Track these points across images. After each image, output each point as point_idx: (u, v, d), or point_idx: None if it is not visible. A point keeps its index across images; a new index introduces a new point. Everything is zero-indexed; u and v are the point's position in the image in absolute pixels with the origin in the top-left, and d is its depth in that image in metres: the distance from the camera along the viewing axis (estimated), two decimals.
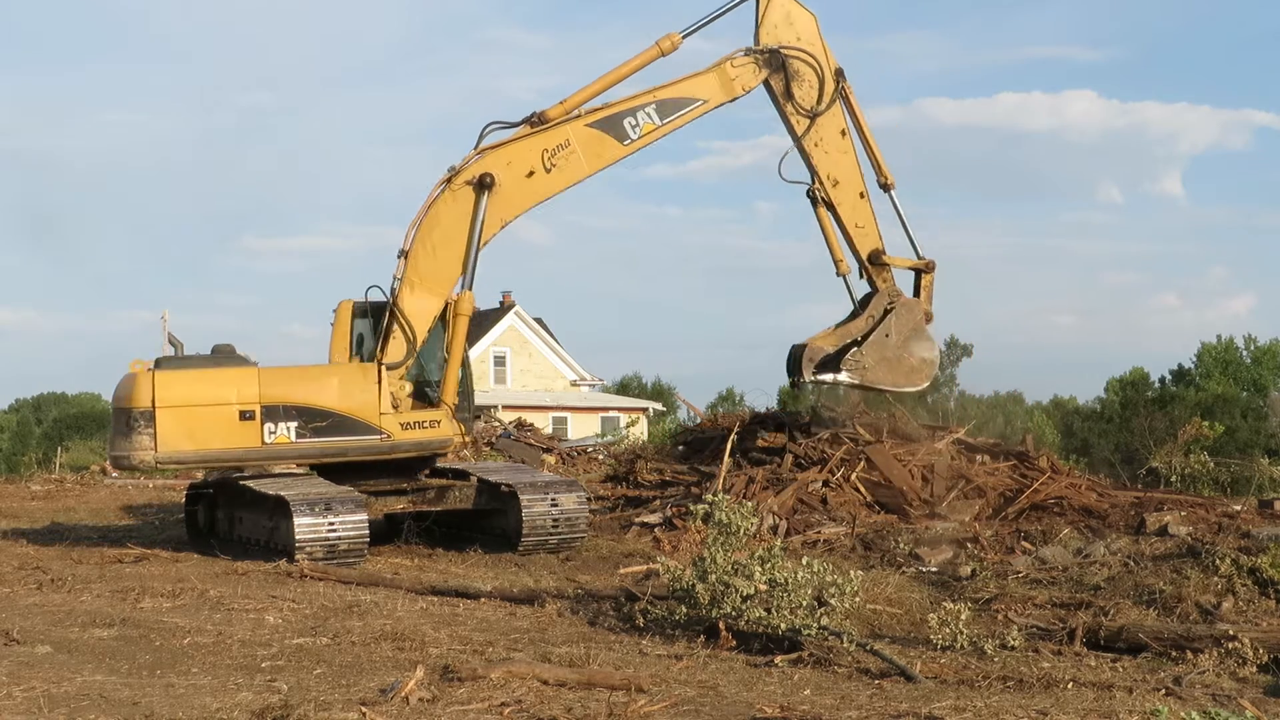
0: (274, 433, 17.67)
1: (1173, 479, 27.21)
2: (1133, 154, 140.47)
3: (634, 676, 9.68)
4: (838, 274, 19.77)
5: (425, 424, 17.87)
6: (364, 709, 8.65)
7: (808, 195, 19.34)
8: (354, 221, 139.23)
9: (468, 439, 19.30)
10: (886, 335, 19.29)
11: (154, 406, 17.50)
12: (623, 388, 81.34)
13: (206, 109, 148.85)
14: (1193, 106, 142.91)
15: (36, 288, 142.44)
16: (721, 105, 18.42)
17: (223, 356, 18.34)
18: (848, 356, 19.27)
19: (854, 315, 19.82)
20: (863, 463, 20.16)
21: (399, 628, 11.77)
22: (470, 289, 17.98)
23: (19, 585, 14.86)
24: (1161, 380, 72.91)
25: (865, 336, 19.39)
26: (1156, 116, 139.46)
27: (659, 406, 68.51)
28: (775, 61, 18.57)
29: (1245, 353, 77.08)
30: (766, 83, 18.75)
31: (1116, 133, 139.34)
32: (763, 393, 60.68)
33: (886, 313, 19.47)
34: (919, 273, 19.82)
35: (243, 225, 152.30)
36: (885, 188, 19.38)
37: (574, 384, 70.19)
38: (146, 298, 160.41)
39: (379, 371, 17.74)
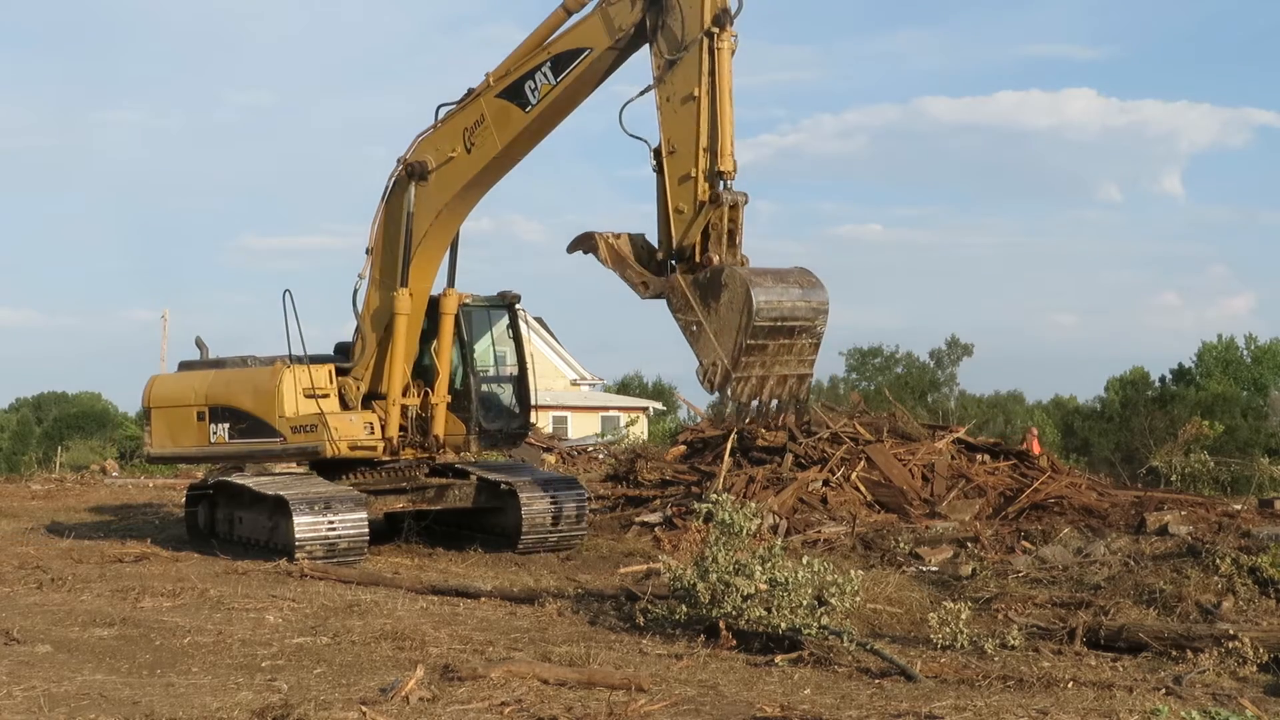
0: (216, 433, 18.32)
1: (1173, 478, 27.26)
2: (1132, 152, 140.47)
3: (634, 676, 9.68)
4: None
5: (307, 428, 17.48)
6: (364, 708, 8.66)
7: (653, 155, 15.23)
8: (354, 221, 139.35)
9: (469, 439, 18.88)
10: (694, 329, 14.56)
11: (149, 407, 19.27)
12: (623, 387, 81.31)
13: (206, 108, 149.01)
14: (1192, 105, 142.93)
15: (36, 288, 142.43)
16: (608, 53, 15.60)
17: (213, 360, 19.10)
18: (708, 376, 14.52)
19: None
20: (863, 462, 20.17)
21: (399, 627, 11.77)
22: (406, 285, 17.15)
23: (19, 585, 14.87)
24: (1162, 379, 72.83)
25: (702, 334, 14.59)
26: (1156, 115, 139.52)
27: (659, 406, 68.53)
28: None
29: (1245, 352, 77.04)
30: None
31: (1116, 131, 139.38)
32: None
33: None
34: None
35: (243, 225, 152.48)
36: (721, 176, 14.72)
37: (574, 383, 70.17)
38: (146, 298, 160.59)
39: (281, 373, 17.65)
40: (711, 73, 14.62)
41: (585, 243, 15.63)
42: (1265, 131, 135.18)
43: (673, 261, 14.90)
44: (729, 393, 14.41)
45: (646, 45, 15.23)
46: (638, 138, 15.20)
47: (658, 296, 14.97)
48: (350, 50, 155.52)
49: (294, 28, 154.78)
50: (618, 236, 15.55)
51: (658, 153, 15.04)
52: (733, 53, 14.74)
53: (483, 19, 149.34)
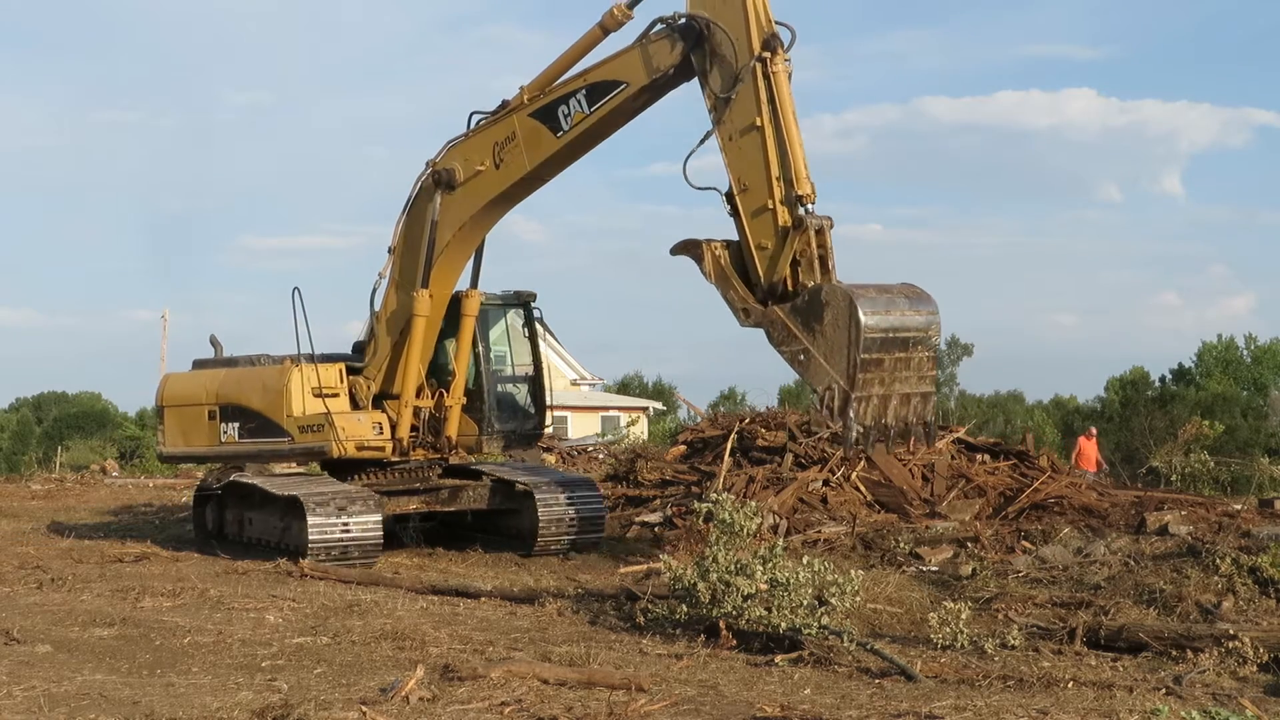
0: (226, 432, 18.26)
1: (1173, 478, 27.29)
2: (1132, 152, 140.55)
3: (634, 676, 9.68)
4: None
5: (315, 428, 17.39)
6: (364, 708, 8.66)
7: (725, 200, 14.69)
8: (354, 221, 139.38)
9: (482, 439, 18.51)
10: (801, 358, 13.90)
11: (162, 405, 19.27)
12: (623, 387, 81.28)
13: (206, 108, 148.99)
14: (1193, 104, 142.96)
15: (36, 288, 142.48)
16: (645, 91, 15.26)
17: (226, 359, 18.99)
18: (825, 403, 13.81)
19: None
20: (863, 462, 20.16)
21: (399, 627, 11.77)
22: (426, 287, 17.09)
23: (19, 585, 14.87)
24: (1162, 379, 72.87)
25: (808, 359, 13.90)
26: (1156, 115, 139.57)
27: (659, 406, 68.51)
28: (691, 33, 14.60)
29: (1245, 352, 77.06)
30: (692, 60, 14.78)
31: (1116, 131, 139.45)
32: (763, 392, 61.41)
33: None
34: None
35: (243, 225, 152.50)
36: (800, 200, 14.07)
37: (574, 383, 70.07)
38: (147, 298, 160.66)
39: (289, 372, 17.57)
40: (771, 99, 14.09)
41: (691, 250, 14.84)
42: (1265, 131, 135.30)
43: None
44: (851, 416, 13.50)
45: (686, 85, 14.93)
46: (707, 188, 14.74)
47: (757, 326, 14.26)
48: (350, 50, 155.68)
49: (294, 28, 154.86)
50: (725, 246, 14.69)
51: (729, 196, 14.51)
52: (789, 77, 14.23)
53: (483, 19, 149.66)
